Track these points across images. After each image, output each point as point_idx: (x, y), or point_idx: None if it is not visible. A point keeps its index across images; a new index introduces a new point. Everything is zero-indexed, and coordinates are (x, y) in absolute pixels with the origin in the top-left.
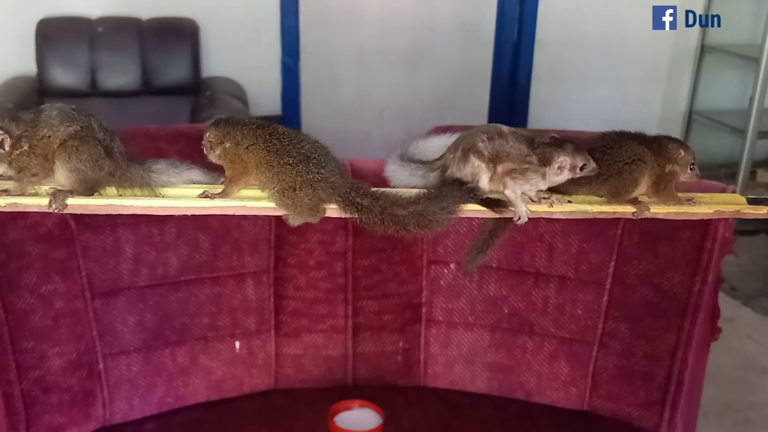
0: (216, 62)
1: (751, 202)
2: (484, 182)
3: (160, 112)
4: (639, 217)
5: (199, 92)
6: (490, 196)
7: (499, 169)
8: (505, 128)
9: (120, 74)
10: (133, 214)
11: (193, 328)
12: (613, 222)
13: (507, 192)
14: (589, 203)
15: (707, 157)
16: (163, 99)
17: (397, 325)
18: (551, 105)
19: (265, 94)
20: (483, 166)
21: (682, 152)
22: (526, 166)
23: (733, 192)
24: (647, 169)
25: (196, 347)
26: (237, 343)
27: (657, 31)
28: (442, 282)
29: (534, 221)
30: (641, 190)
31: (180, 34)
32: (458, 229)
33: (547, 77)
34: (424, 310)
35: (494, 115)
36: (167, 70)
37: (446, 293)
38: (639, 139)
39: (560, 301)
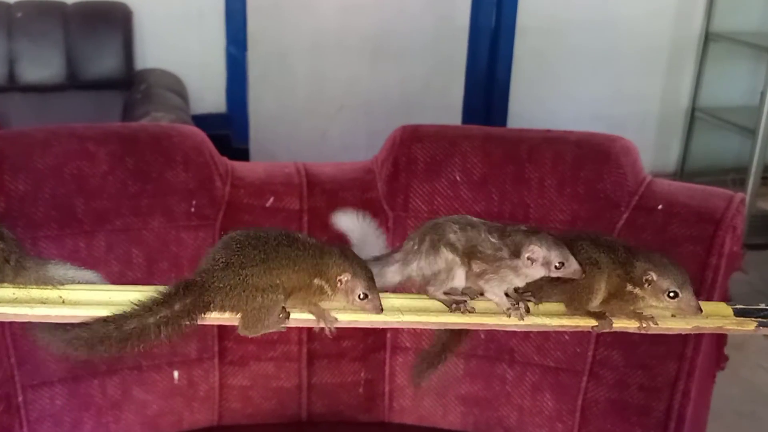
0: (151, 52)
1: (739, 313)
2: (460, 278)
3: (88, 109)
4: (599, 332)
5: (131, 86)
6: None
7: (475, 267)
8: (474, 219)
9: (42, 66)
10: (59, 225)
11: (126, 355)
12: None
13: (488, 296)
14: (551, 314)
15: (712, 160)
16: (91, 94)
17: (358, 353)
18: (534, 101)
19: (207, 89)
20: (457, 260)
21: (653, 277)
22: (497, 263)
23: (742, 200)
24: (603, 277)
25: (128, 377)
26: (176, 373)
27: (655, 16)
28: None
29: None
30: (596, 301)
31: (110, 20)
32: None
33: (529, 69)
34: (389, 335)
35: (469, 112)
36: (96, 61)
37: None
38: (599, 242)
39: None
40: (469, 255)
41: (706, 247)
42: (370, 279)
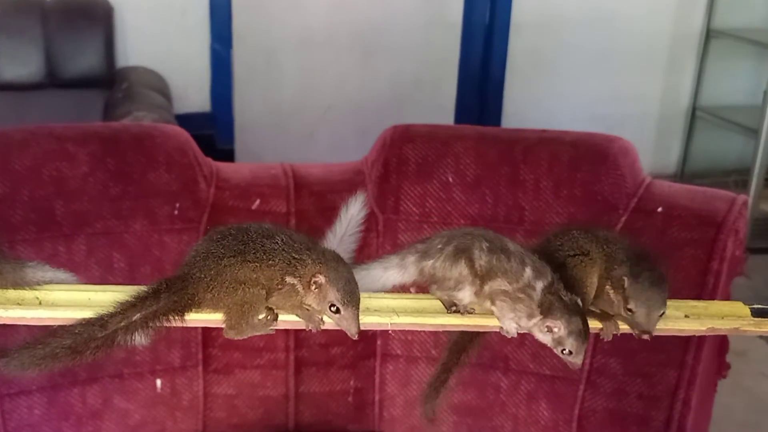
0: (133, 49)
1: (757, 313)
2: (466, 294)
3: (68, 108)
4: (606, 339)
5: (113, 85)
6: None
7: (487, 288)
8: (512, 245)
9: (20, 64)
10: (38, 229)
11: (107, 363)
12: None
13: (494, 309)
14: None
15: (713, 161)
16: (70, 93)
17: (347, 360)
18: (529, 100)
19: (191, 87)
20: (469, 278)
21: (626, 282)
22: (521, 296)
23: (744, 203)
24: (595, 269)
25: (109, 386)
26: (158, 381)
27: (654, 12)
28: None
29: (510, 236)
30: (592, 293)
31: (90, 16)
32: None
33: (524, 67)
34: (379, 342)
35: (462, 112)
36: (76, 58)
37: None
38: (594, 234)
39: None
40: (484, 277)
41: (708, 251)
42: (348, 292)
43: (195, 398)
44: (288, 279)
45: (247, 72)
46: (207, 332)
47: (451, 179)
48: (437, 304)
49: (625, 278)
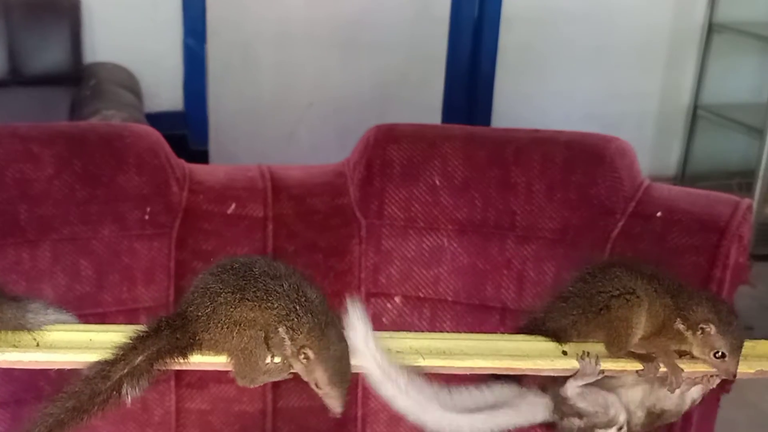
0: (102, 45)
1: None
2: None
3: (32, 107)
4: (645, 378)
5: (80, 82)
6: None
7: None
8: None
9: None
10: (0, 234)
11: (72, 376)
12: (599, 244)
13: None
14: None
15: (716, 163)
16: (35, 90)
17: None
18: (521, 97)
19: (162, 85)
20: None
21: (712, 330)
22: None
23: (748, 207)
24: (643, 308)
25: None
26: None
27: (654, 6)
28: (384, 319)
29: (500, 242)
30: (639, 335)
31: (56, 10)
32: (404, 254)
33: (516, 63)
34: None
35: (450, 110)
36: (41, 54)
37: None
38: (637, 270)
39: None
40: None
41: (710, 258)
42: (337, 372)
43: (167, 414)
44: (281, 330)
45: (222, 68)
46: None
47: (438, 182)
48: (463, 343)
49: (712, 324)
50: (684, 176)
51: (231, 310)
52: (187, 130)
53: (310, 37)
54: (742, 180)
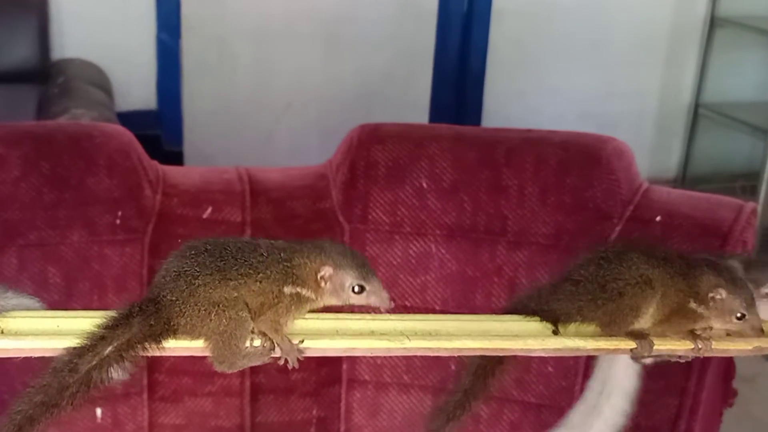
0: (70, 40)
1: None
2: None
3: None
4: (637, 360)
5: (48, 79)
6: None
7: None
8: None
9: None
10: None
11: None
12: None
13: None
14: (585, 336)
15: (718, 164)
16: (0, 88)
17: (309, 387)
18: (513, 95)
19: (134, 82)
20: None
21: (723, 295)
22: None
23: (753, 211)
24: (654, 299)
25: None
26: (98, 411)
27: None
28: None
29: (491, 248)
30: (643, 322)
31: (23, 3)
32: (390, 260)
33: (507, 59)
34: (344, 366)
35: (438, 109)
36: (6, 50)
37: None
38: (653, 255)
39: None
40: None
41: None
42: (361, 266)
43: (139, 429)
44: (287, 290)
45: (197, 65)
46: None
47: (425, 185)
48: (450, 324)
49: (720, 288)
50: (685, 178)
51: (210, 291)
52: (160, 129)
53: (291, 32)
54: (745, 182)
